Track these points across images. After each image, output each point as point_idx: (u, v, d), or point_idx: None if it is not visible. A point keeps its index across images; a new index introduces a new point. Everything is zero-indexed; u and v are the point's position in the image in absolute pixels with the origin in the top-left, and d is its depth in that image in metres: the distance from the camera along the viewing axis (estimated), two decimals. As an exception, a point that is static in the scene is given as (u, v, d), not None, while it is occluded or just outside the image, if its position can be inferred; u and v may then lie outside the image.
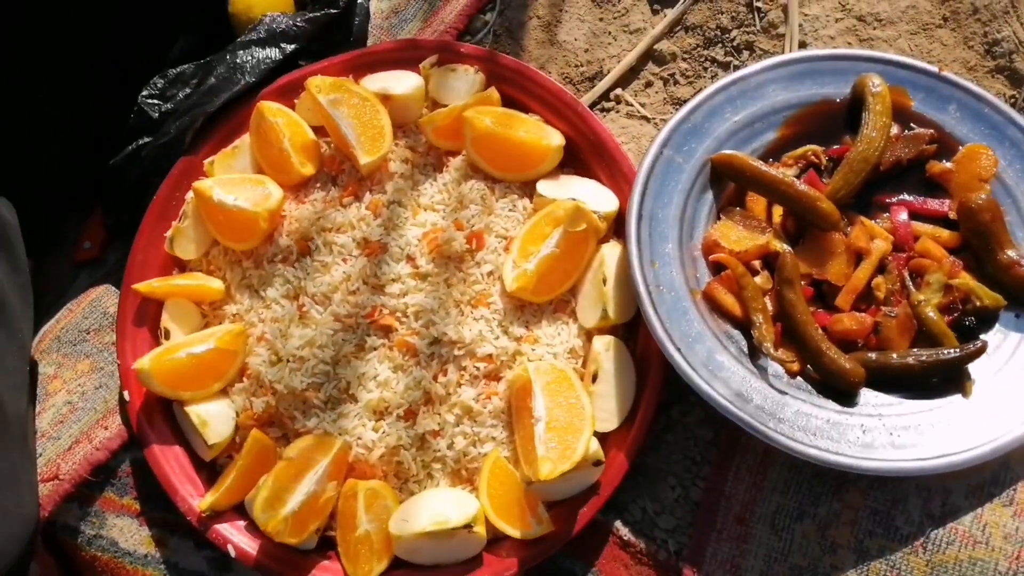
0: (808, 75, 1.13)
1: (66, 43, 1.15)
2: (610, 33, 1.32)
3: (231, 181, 1.10)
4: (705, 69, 1.29)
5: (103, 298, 1.16)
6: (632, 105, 1.27)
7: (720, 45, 1.29)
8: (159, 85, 1.18)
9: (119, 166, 1.16)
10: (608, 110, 1.28)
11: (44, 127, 1.17)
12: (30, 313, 1.08)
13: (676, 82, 1.28)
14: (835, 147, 1.09)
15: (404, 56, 1.19)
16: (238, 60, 1.19)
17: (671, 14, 1.31)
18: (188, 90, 1.18)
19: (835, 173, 1.06)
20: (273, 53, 1.20)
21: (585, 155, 1.14)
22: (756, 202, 1.07)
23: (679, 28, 1.31)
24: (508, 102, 1.16)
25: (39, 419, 1.07)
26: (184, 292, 1.09)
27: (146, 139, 1.16)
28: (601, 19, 1.33)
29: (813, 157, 1.09)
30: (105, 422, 1.07)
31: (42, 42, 1.14)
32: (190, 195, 1.12)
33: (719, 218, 1.06)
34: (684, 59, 1.30)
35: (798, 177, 1.06)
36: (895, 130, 1.08)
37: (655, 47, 1.30)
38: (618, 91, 1.28)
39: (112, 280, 1.18)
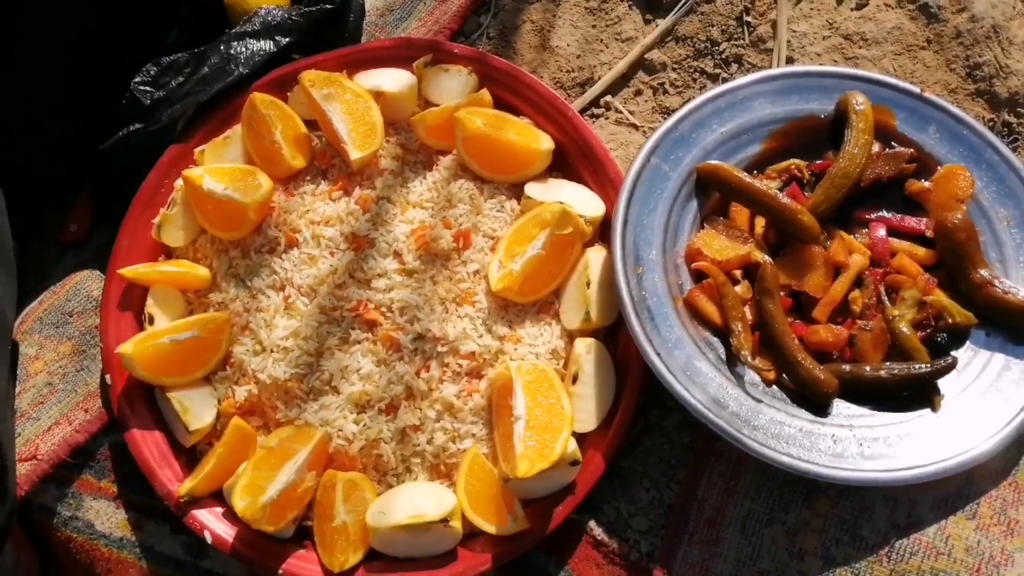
0: (794, 90, 1.15)
1: (62, 28, 1.15)
2: (602, 40, 1.34)
3: (221, 171, 1.11)
4: (694, 80, 1.31)
5: (87, 281, 1.16)
6: (621, 112, 1.29)
7: (710, 57, 1.31)
8: (152, 72, 1.18)
9: (109, 151, 1.15)
10: (598, 116, 1.29)
11: (37, 111, 1.17)
12: (14, 293, 1.08)
13: (665, 91, 1.30)
14: (818, 162, 1.12)
15: (398, 54, 1.20)
16: (232, 51, 1.19)
17: (663, 24, 1.32)
18: (181, 78, 1.18)
19: (817, 187, 1.08)
20: (267, 45, 1.20)
21: (573, 160, 1.15)
22: (739, 213, 1.09)
23: (670, 38, 1.33)
24: (500, 104, 1.18)
25: (19, 399, 1.07)
26: (170, 279, 1.09)
27: (137, 126, 1.16)
28: (594, 26, 1.35)
29: (796, 171, 1.11)
30: (85, 404, 1.07)
31: (38, 26, 1.14)
32: (179, 183, 1.13)
33: (703, 227, 1.08)
34: (674, 69, 1.32)
35: (781, 190, 1.08)
36: (876, 148, 1.11)
37: (646, 56, 1.31)
38: (608, 98, 1.30)
39: (97, 264, 1.18)
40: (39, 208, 1.23)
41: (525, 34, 1.34)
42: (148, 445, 1.03)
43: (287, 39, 1.21)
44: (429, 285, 1.06)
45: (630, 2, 1.36)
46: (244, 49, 1.20)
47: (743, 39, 1.31)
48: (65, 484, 1.04)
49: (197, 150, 1.15)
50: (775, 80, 1.16)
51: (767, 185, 1.07)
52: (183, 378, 1.03)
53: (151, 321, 1.06)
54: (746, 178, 1.06)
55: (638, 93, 1.31)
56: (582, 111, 1.28)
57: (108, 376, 1.05)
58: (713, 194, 1.10)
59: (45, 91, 1.17)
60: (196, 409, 1.02)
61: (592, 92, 1.29)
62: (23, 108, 1.17)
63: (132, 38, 1.21)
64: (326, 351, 1.04)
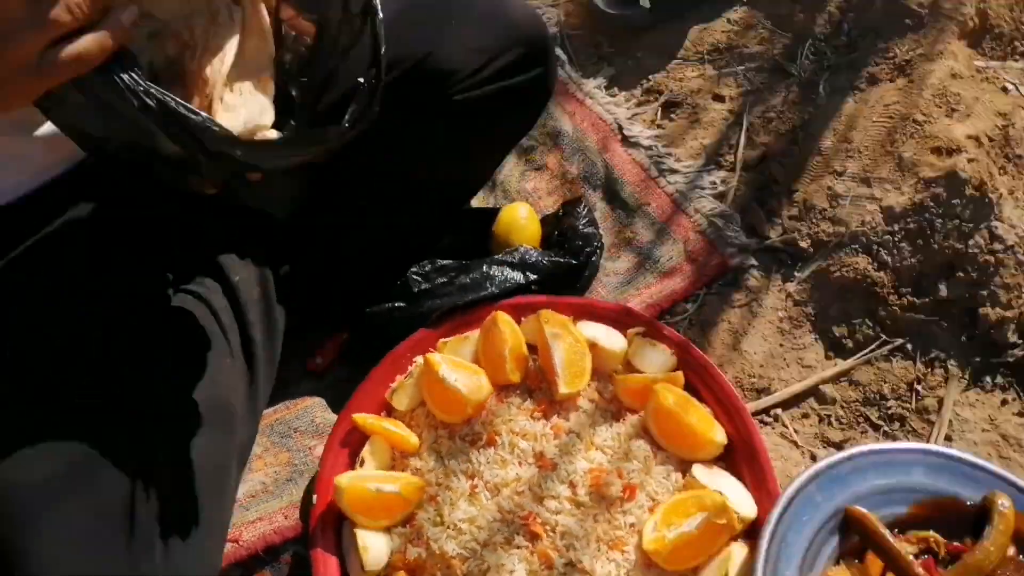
0: (948, 470, 1.26)
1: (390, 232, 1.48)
2: (785, 359, 1.53)
3: (456, 363, 1.33)
4: (858, 423, 1.46)
5: (314, 408, 1.39)
6: (787, 428, 1.45)
7: (876, 408, 1.47)
8: (426, 268, 1.48)
9: (373, 315, 1.44)
10: (765, 424, 1.46)
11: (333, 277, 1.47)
12: (266, 401, 1.33)
13: (830, 423, 1.46)
14: (955, 543, 1.20)
15: (617, 317, 1.43)
16: (491, 272, 1.48)
17: (842, 365, 1.50)
18: (445, 279, 1.47)
19: (950, 568, 1.16)
20: (518, 276, 1.48)
21: (738, 456, 1.29)
22: (874, 563, 1.17)
23: (845, 379, 1.50)
24: (687, 386, 1.36)
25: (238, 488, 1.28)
26: (388, 435, 1.29)
27: (402, 304, 1.44)
28: (781, 345, 1.55)
29: (934, 544, 1.19)
30: (286, 511, 1.26)
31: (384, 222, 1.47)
32: (419, 360, 1.36)
33: (838, 562, 1.18)
34: (842, 407, 1.48)
35: (916, 557, 1.17)
36: (1012, 551, 1.18)
37: (820, 387, 1.49)
38: (778, 411, 1.47)
39: (326, 395, 1.41)
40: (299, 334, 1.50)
41: (721, 332, 1.56)
42: (326, 566, 1.18)
43: (534, 276, 1.49)
44: (591, 521, 1.21)
45: (816, 335, 1.56)
46: (499, 273, 1.48)
47: (910, 403, 1.47)
48: (248, 573, 1.22)
49: (441, 340, 1.39)
50: (933, 455, 1.28)
51: (905, 548, 1.17)
52: (373, 521, 1.20)
53: (362, 464, 1.26)
54: (888, 535, 1.17)
55: (805, 416, 1.47)
56: (753, 414, 1.45)
57: (315, 496, 1.24)
58: (854, 537, 1.20)
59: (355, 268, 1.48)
60: (374, 551, 1.17)
61: (766, 401, 1.47)
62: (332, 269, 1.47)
63: (416, 239, 1.53)
64: (490, 544, 1.18)
